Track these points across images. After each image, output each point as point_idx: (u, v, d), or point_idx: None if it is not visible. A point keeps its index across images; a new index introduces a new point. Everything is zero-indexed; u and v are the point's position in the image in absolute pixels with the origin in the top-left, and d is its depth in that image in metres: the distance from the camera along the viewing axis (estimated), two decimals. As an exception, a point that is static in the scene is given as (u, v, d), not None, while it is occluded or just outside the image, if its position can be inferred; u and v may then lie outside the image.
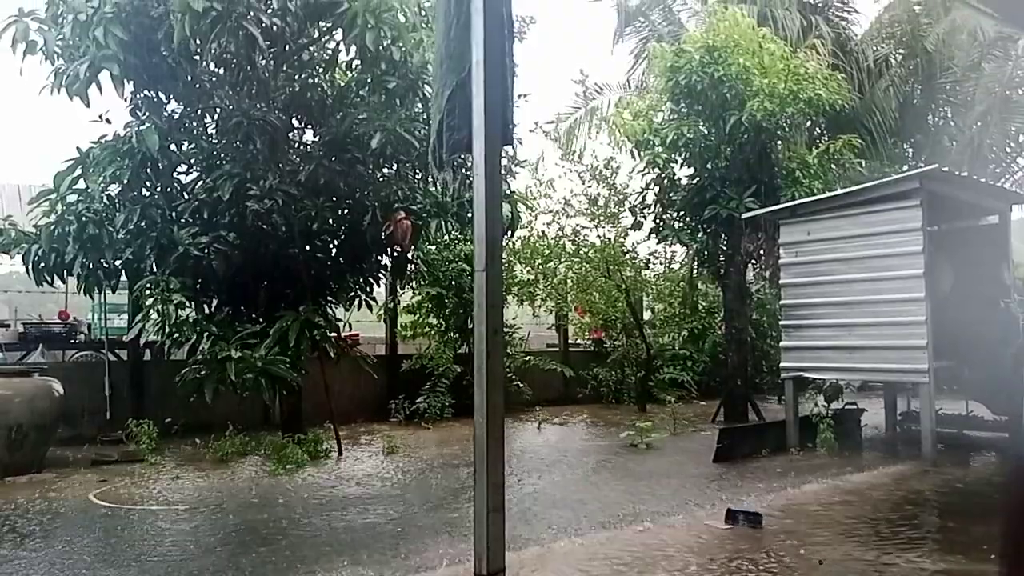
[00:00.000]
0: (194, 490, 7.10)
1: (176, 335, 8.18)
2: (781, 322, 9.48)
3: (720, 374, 13.47)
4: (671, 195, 11.98)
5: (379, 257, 10.12)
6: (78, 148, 8.51)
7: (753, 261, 12.21)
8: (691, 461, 8.29)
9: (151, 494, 6.92)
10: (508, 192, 10.53)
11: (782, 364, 9.22)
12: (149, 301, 8.18)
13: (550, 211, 13.83)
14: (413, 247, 10.15)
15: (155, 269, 8.48)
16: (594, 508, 6.12)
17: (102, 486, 7.17)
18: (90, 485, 7.22)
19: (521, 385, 12.90)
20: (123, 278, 8.93)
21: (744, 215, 10.47)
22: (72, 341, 10.94)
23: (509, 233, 10.97)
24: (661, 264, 15.26)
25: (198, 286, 8.81)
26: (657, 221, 12.35)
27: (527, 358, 13.56)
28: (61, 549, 5.13)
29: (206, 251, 8.32)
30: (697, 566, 4.42)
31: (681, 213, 11.87)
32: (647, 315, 15.58)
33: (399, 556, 4.84)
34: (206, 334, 8.21)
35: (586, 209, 13.65)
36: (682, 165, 11.80)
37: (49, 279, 8.71)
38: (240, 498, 6.75)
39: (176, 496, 6.82)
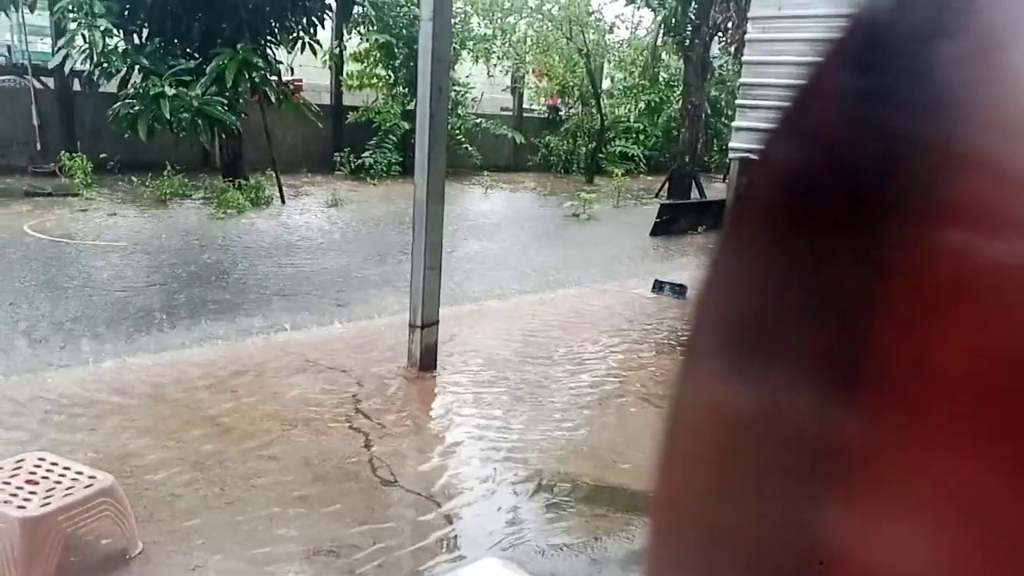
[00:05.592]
0: (132, 228, 7.05)
1: (105, 65, 7.72)
2: (737, 101, 9.32)
3: (671, 150, 13.48)
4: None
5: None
6: None
7: (720, 34, 11.76)
8: (629, 234, 8.52)
9: (88, 230, 6.85)
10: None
11: (731, 144, 9.22)
12: (72, 25, 7.59)
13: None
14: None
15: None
16: (529, 272, 6.34)
17: (37, 218, 7.05)
18: (24, 216, 7.08)
19: (470, 148, 12.71)
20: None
21: (717, -17, 9.90)
22: (-9, 63, 10.14)
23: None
24: (627, 30, 14.60)
25: (126, 13, 8.11)
26: (627, -19, 11.63)
27: (478, 120, 13.25)
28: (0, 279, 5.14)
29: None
30: (614, 326, 4.70)
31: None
32: (606, 84, 15.16)
33: (338, 304, 4.99)
34: (137, 66, 7.73)
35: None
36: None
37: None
38: (180, 239, 6.74)
39: (113, 233, 6.77)
